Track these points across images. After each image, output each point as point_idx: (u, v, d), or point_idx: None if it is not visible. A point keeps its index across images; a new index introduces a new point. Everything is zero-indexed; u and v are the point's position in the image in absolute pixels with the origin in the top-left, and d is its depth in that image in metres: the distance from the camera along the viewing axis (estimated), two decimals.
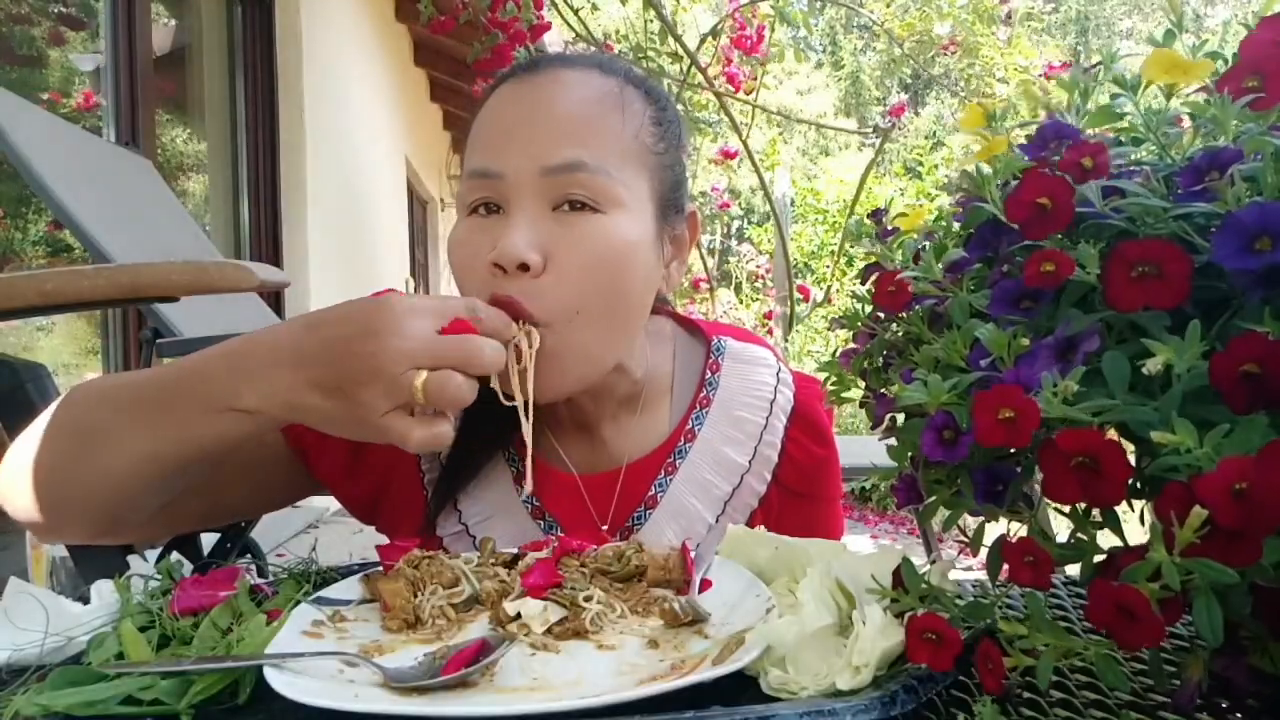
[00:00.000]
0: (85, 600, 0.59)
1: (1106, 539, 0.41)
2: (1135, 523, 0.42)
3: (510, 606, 0.57)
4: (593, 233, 0.72)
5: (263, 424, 0.64)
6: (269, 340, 0.64)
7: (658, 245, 0.79)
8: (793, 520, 0.87)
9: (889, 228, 0.59)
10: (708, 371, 0.89)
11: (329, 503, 3.01)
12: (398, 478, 0.85)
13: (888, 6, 5.22)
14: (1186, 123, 0.47)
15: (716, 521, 0.84)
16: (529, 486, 0.73)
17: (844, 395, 0.58)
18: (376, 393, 0.59)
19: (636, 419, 0.86)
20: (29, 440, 0.69)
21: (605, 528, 0.82)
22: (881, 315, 0.56)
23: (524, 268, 0.70)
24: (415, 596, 0.60)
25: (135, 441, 0.65)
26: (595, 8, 4.02)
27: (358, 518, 0.89)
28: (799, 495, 0.88)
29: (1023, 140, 0.50)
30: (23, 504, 0.69)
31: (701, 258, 5.17)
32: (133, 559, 0.68)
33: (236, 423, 0.63)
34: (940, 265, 0.51)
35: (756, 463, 0.86)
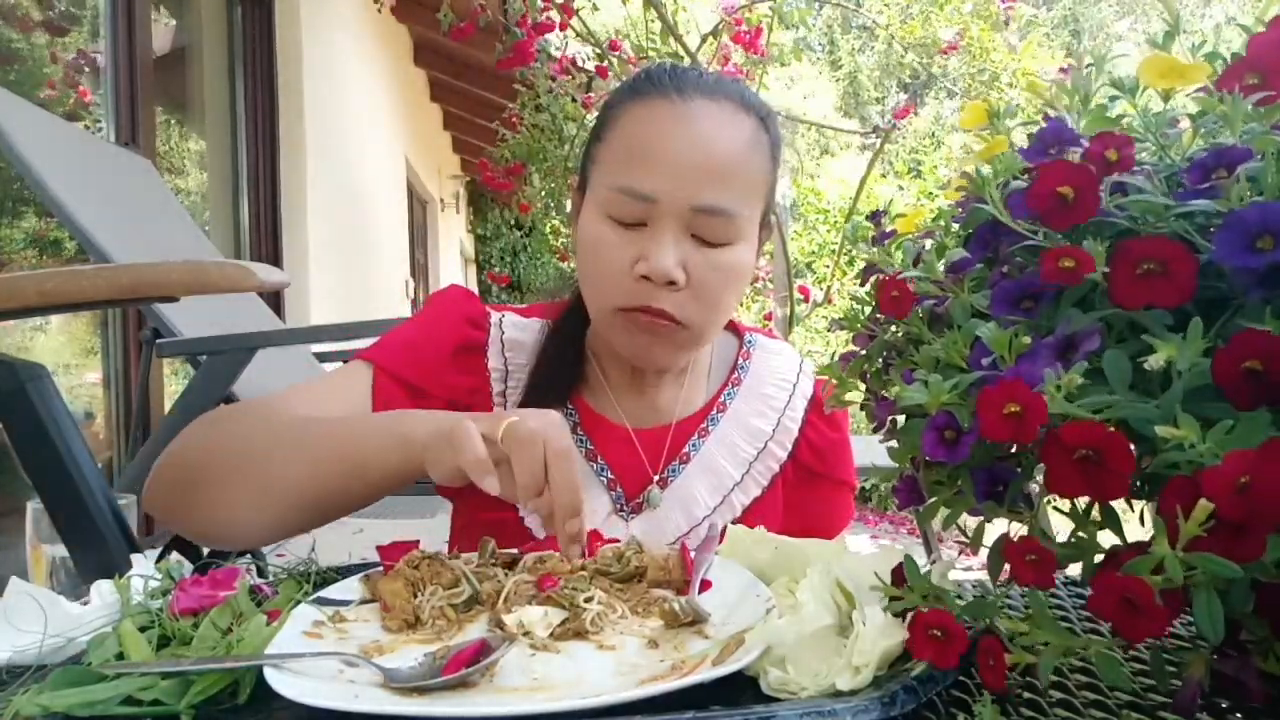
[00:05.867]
0: (85, 600, 0.59)
1: (1107, 539, 0.41)
2: (1135, 524, 0.42)
3: (510, 618, 0.57)
4: (725, 262, 0.85)
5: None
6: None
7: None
8: (807, 497, 0.99)
9: (887, 230, 0.58)
10: (740, 358, 1.03)
11: None
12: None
13: (887, 6, 5.21)
14: (1185, 123, 0.47)
15: (741, 480, 0.96)
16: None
17: (844, 398, 0.58)
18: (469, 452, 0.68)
19: (681, 391, 0.99)
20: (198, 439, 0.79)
21: (657, 477, 0.94)
22: (881, 317, 0.56)
23: (671, 284, 0.83)
24: (415, 597, 0.60)
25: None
26: (596, 7, 4.02)
27: None
28: (814, 474, 1.00)
29: (1026, 138, 0.50)
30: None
31: None
32: (134, 558, 0.68)
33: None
34: (941, 265, 0.51)
35: (779, 432, 0.99)
